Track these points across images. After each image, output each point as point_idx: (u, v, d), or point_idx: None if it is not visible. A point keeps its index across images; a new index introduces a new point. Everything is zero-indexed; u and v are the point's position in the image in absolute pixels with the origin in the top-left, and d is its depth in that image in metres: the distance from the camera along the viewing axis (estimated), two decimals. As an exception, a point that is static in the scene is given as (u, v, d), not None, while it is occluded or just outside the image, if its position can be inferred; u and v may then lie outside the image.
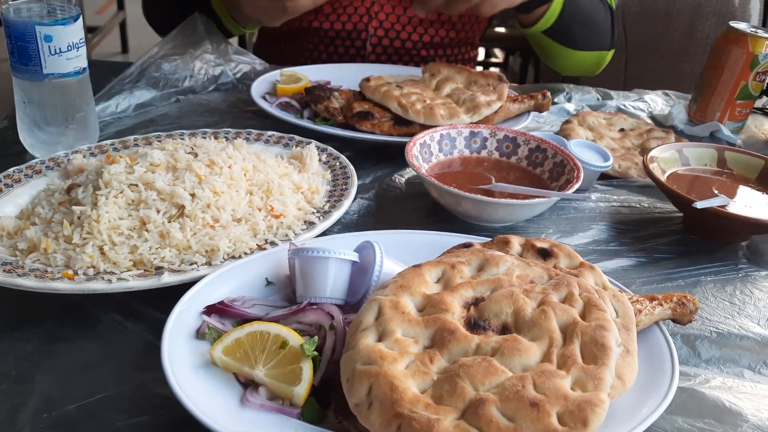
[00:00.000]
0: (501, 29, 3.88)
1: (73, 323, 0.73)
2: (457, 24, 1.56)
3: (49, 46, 0.95)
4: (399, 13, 1.52)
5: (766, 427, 0.63)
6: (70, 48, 0.96)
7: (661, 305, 0.71)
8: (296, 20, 1.53)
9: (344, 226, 0.94)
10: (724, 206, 0.94)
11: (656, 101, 1.48)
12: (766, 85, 1.33)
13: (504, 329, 0.62)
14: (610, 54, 1.54)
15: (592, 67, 1.54)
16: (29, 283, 0.71)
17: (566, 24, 1.41)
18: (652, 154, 1.03)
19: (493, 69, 4.27)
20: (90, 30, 4.14)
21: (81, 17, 0.98)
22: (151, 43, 1.44)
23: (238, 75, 1.40)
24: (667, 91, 1.53)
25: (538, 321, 0.62)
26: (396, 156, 1.01)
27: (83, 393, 0.64)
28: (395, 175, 1.08)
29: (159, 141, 1.03)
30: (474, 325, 0.62)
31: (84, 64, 1.00)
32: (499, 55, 4.24)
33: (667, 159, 1.05)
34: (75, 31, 0.97)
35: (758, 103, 1.42)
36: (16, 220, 0.83)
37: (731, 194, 1.00)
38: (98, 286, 0.72)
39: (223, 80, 1.38)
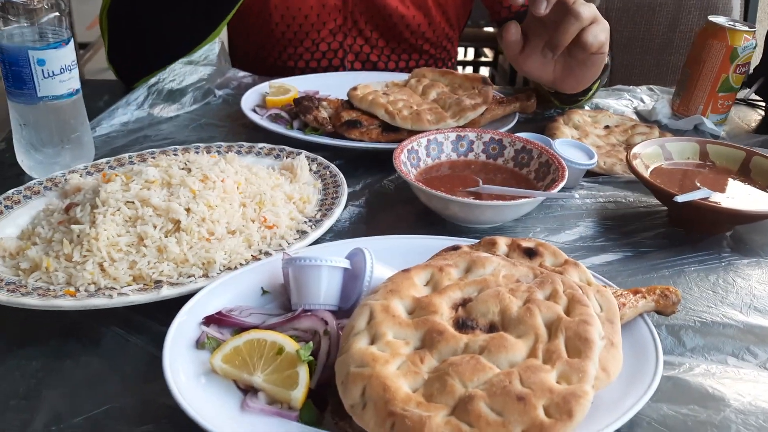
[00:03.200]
0: (489, 29, 3.92)
1: (77, 339, 0.75)
2: (430, 49, 1.60)
3: (42, 70, 0.97)
4: (372, 44, 1.58)
5: (748, 410, 0.66)
6: (62, 70, 0.99)
7: (645, 298, 0.74)
8: (270, 58, 1.58)
9: (336, 233, 0.96)
10: (706, 198, 0.96)
11: (641, 97, 1.50)
12: (746, 77, 1.36)
13: (491, 328, 0.65)
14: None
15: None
16: (33, 301, 0.73)
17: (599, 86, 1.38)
18: (635, 150, 1.05)
19: (483, 68, 4.32)
20: (82, 46, 4.16)
21: (72, 40, 1.00)
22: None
23: (229, 89, 1.43)
24: (651, 86, 1.56)
25: (524, 318, 0.64)
26: (385, 162, 1.03)
27: (90, 406, 0.66)
28: (385, 181, 1.10)
29: (153, 157, 1.05)
30: (462, 325, 0.65)
31: (77, 85, 1.03)
32: (489, 54, 4.27)
33: (650, 154, 1.08)
34: (67, 54, 0.99)
35: (741, 95, 1.45)
36: (17, 241, 0.85)
37: (714, 186, 1.02)
38: (100, 301, 0.74)
39: (215, 95, 1.41)
